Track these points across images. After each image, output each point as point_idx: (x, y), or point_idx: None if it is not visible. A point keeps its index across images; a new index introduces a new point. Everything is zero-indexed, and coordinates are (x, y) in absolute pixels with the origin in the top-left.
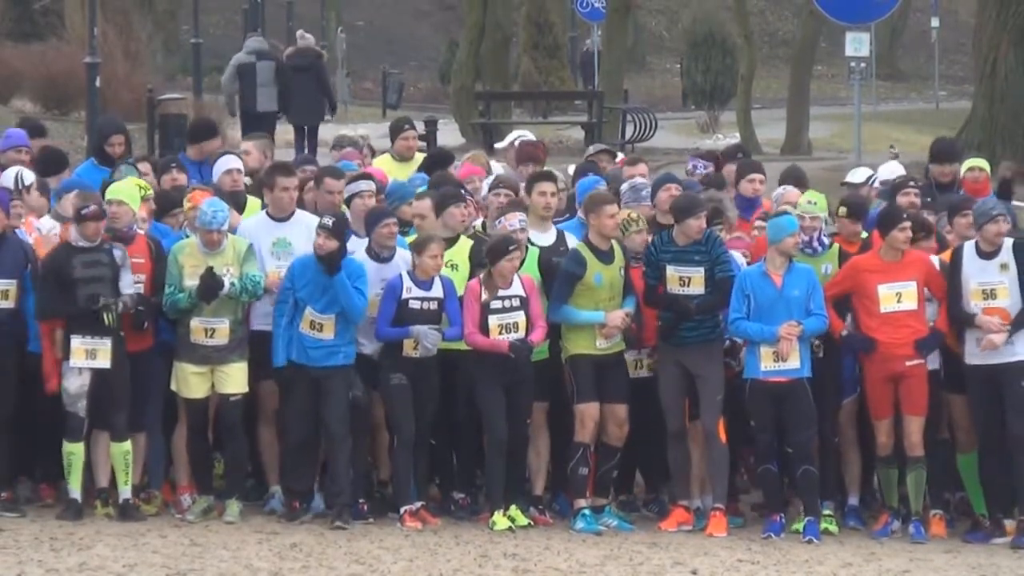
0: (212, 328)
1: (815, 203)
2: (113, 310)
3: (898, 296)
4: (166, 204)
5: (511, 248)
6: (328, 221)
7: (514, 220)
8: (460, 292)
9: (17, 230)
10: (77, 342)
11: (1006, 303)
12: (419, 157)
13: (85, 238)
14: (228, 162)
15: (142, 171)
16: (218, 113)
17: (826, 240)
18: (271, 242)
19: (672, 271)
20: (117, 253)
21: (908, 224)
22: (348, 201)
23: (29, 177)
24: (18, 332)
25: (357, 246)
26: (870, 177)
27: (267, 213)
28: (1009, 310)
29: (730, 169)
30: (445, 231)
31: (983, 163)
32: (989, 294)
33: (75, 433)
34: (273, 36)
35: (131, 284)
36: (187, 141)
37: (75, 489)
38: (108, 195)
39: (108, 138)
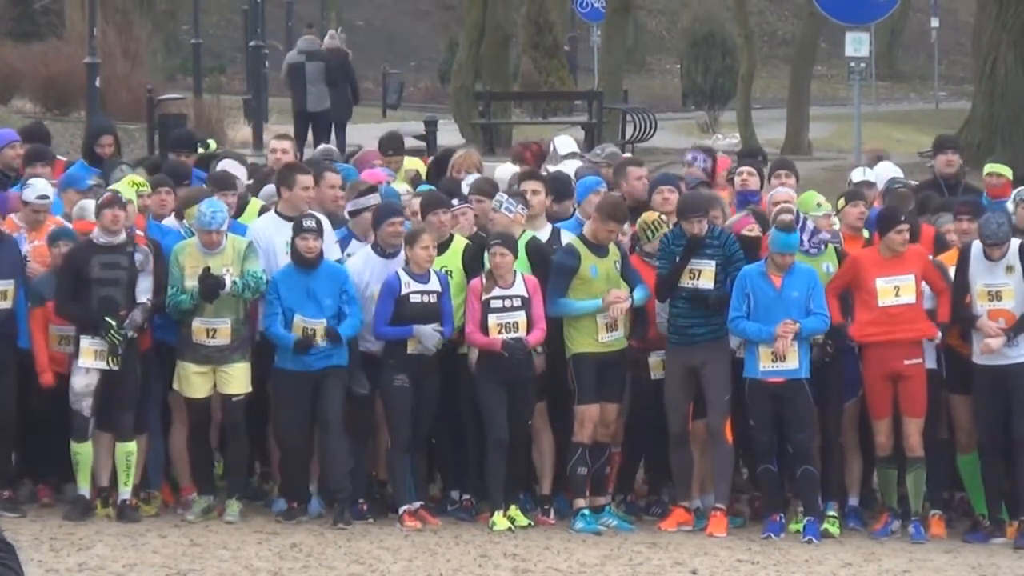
0: (214, 328)
1: (821, 204)
2: (120, 343)
3: (896, 290)
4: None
5: (493, 243)
6: (312, 223)
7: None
8: (455, 299)
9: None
10: (86, 343)
11: (1011, 305)
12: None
13: (106, 229)
14: (227, 166)
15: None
16: (217, 113)
17: (826, 237)
18: (285, 241)
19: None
20: (139, 257)
21: (906, 227)
22: (352, 214)
23: None
24: (14, 332)
25: (359, 249)
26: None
27: (277, 212)
28: (1014, 312)
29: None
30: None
31: (1002, 168)
32: (994, 296)
33: (81, 433)
34: (273, 37)
35: (148, 289)
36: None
37: (84, 487)
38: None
39: (97, 139)
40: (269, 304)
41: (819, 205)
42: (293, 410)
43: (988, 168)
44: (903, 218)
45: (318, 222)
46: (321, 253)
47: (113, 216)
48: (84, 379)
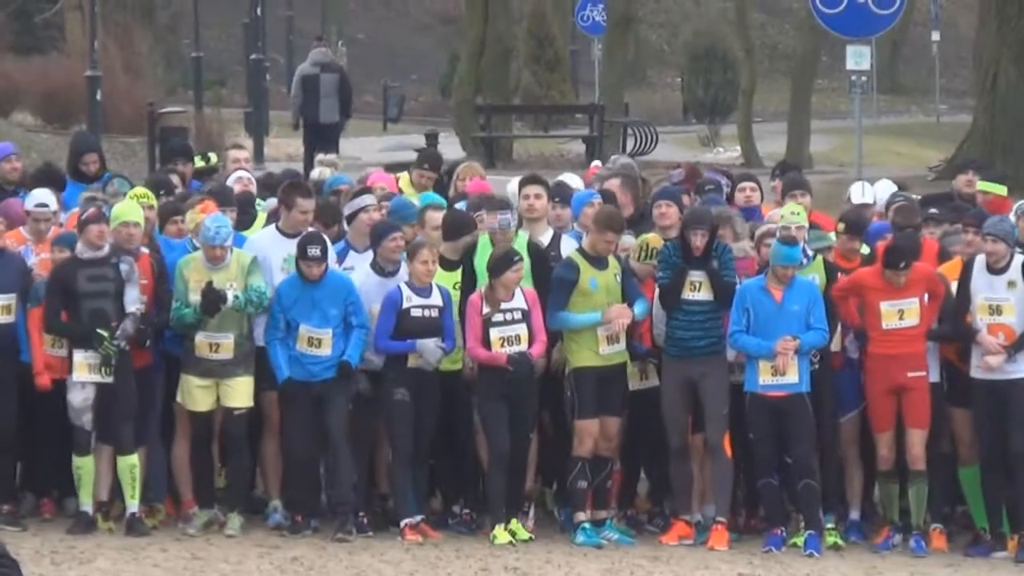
0: (217, 343)
1: (798, 213)
2: (113, 353)
3: (900, 313)
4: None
5: (515, 259)
6: (316, 251)
7: (493, 221)
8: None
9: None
10: (80, 356)
11: (1011, 320)
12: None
13: (89, 244)
14: (239, 174)
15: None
16: (218, 126)
17: (810, 252)
18: (282, 257)
19: None
20: (123, 267)
21: (906, 272)
22: (350, 218)
23: None
24: (16, 347)
25: (358, 262)
26: (891, 200)
27: (277, 228)
28: (1014, 327)
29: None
30: (452, 254)
31: (992, 187)
32: (995, 310)
33: (83, 447)
34: (274, 50)
35: (136, 299)
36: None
37: (86, 502)
38: (119, 216)
39: (82, 156)
40: (272, 318)
41: (795, 214)
42: (299, 421)
43: (981, 186)
44: (903, 264)
45: (323, 247)
46: (326, 270)
47: (99, 231)
48: (81, 394)
